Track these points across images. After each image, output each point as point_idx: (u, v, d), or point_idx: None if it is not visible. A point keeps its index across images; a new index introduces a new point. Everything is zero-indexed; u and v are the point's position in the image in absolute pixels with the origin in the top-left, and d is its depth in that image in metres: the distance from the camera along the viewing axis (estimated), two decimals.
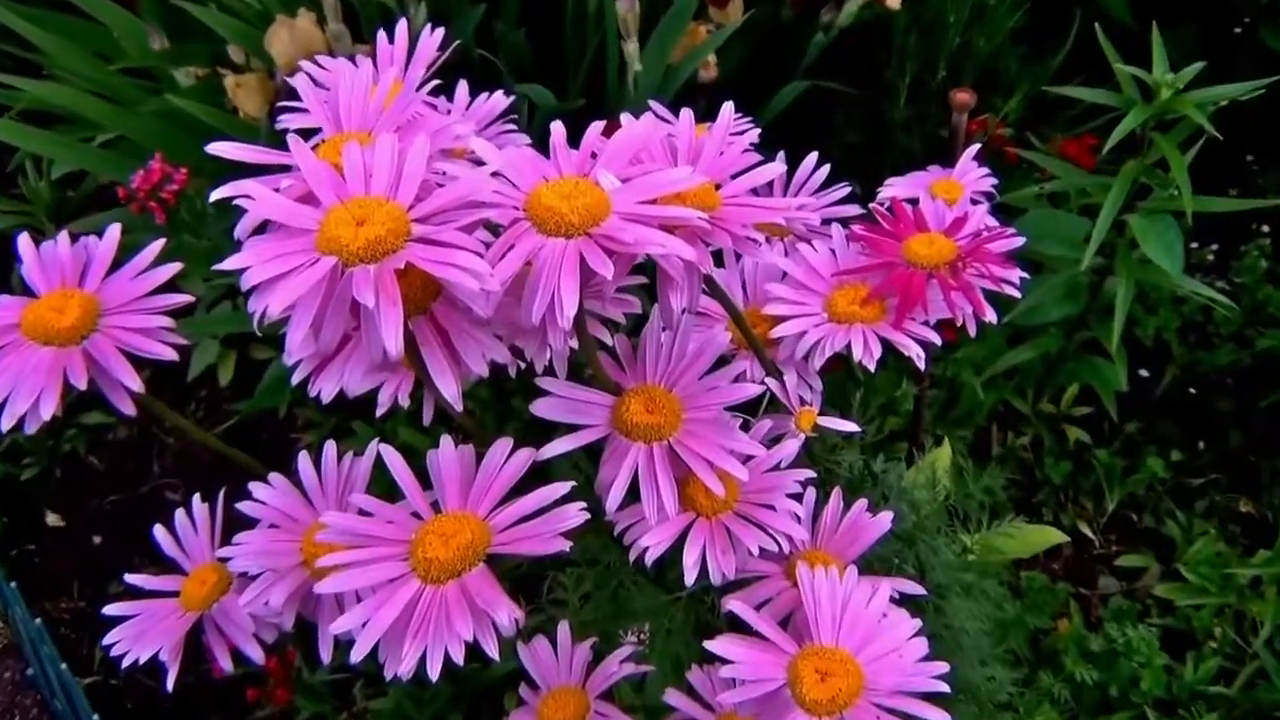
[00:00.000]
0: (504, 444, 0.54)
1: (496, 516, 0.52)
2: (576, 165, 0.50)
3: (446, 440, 0.54)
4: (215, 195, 0.48)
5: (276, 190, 0.48)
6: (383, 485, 0.63)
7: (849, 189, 0.77)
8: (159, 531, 0.65)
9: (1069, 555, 1.19)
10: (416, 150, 0.48)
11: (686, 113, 0.56)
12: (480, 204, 0.47)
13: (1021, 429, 1.25)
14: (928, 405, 1.16)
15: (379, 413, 0.64)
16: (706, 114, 0.75)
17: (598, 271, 0.45)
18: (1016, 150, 1.13)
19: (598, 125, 0.52)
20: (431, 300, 0.50)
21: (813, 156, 0.76)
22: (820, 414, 0.64)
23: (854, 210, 0.76)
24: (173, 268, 0.61)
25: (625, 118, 0.54)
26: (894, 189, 0.77)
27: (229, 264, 0.45)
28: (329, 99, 0.55)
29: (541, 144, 0.62)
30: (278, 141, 0.57)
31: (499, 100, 0.68)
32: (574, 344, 0.55)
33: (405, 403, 0.64)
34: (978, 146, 0.79)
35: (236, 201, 0.47)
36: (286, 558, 0.58)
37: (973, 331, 0.64)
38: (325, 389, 0.51)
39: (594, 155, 0.51)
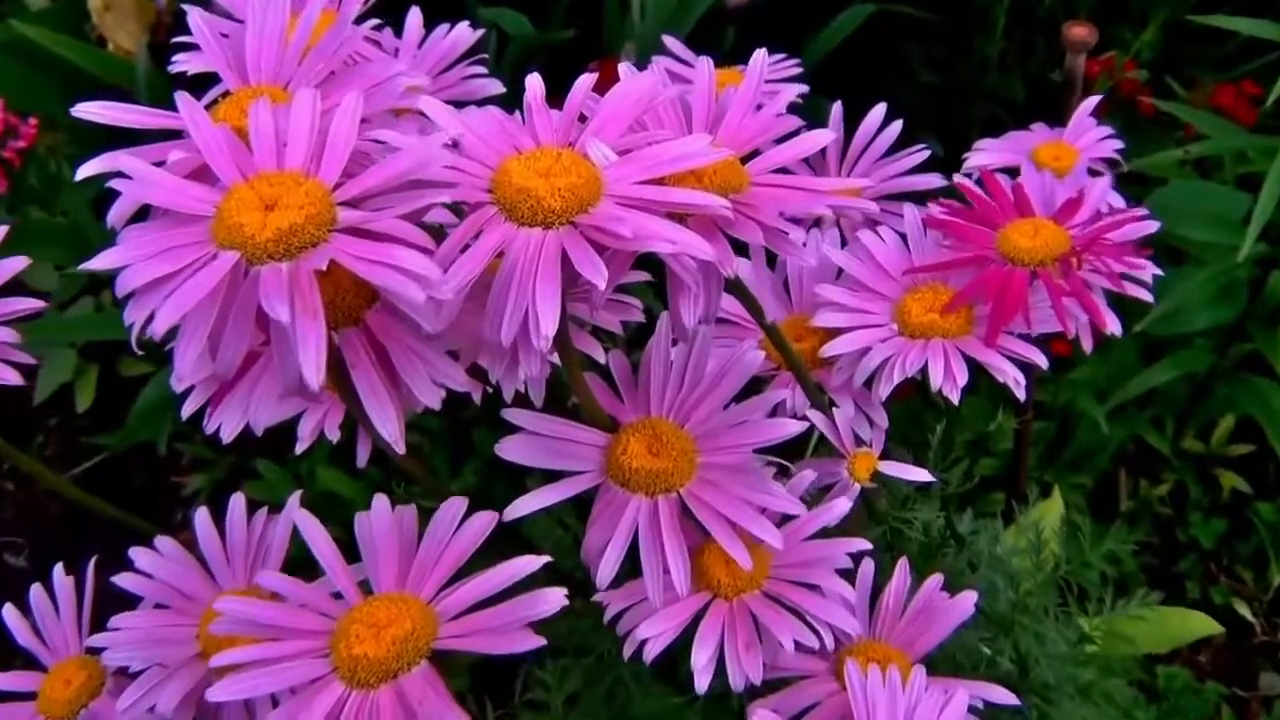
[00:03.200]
0: (456, 505, 0.54)
1: (445, 600, 0.53)
2: (559, 131, 0.51)
3: (380, 501, 0.55)
4: (82, 173, 0.50)
5: (161, 163, 0.49)
6: (302, 547, 0.64)
7: (926, 151, 0.79)
8: (9, 613, 0.67)
9: (1221, 645, 1.20)
10: (346, 110, 0.49)
11: (704, 61, 0.57)
12: (429, 184, 0.48)
13: (1159, 474, 1.26)
14: (1032, 442, 1.17)
15: (298, 449, 0.66)
16: (737, 51, 0.76)
17: (585, 276, 0.46)
18: (1152, 100, 1.14)
19: (587, 78, 0.53)
20: (366, 306, 0.51)
21: (879, 110, 0.78)
22: (883, 457, 0.65)
23: (934, 181, 0.77)
24: (17, 262, 0.62)
25: (624, 67, 0.55)
26: (986, 155, 0.79)
27: (100, 262, 0.46)
28: (233, 38, 0.56)
29: (516, 91, 0.64)
30: (162, 86, 0.58)
31: (463, 35, 0.70)
32: (555, 360, 0.56)
33: (334, 436, 0.66)
34: (1096, 99, 0.80)
35: (111, 183, 0.48)
36: (179, 648, 0.59)
37: (1088, 347, 0.65)
38: (226, 423, 0.52)
39: (583, 118, 0.52)
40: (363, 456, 0.68)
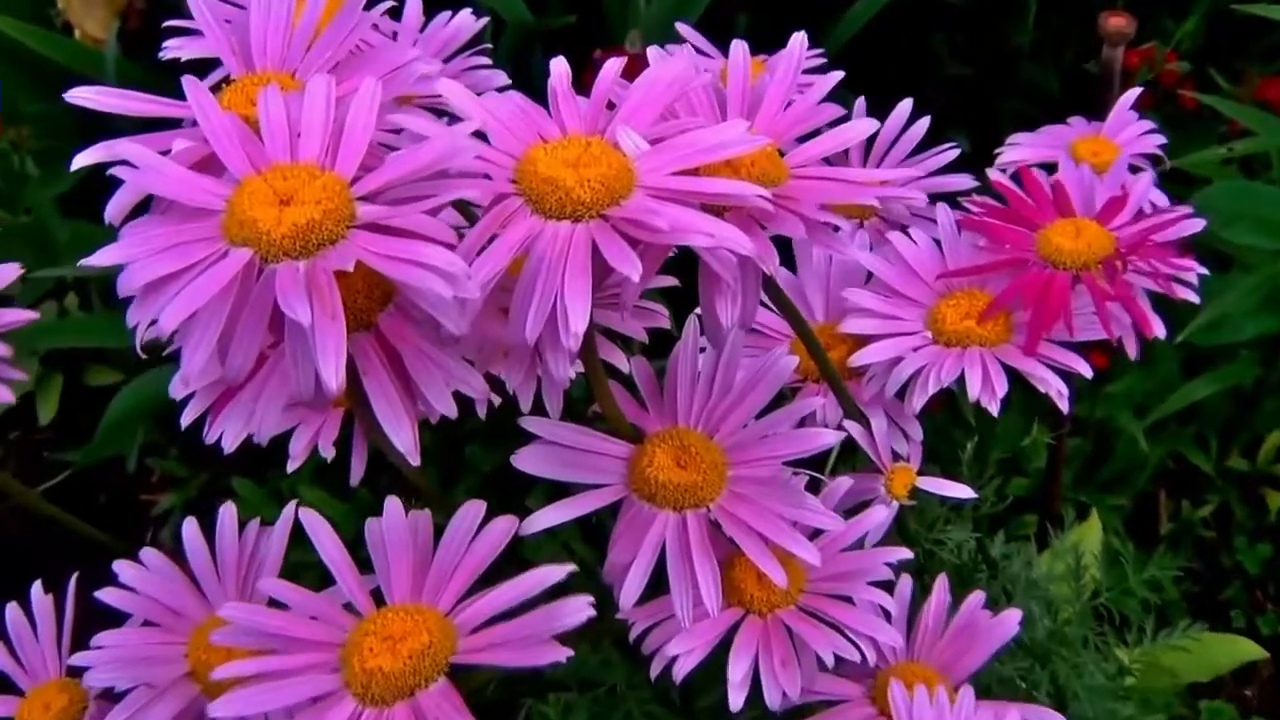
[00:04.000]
0: (474, 509, 0.56)
1: (464, 612, 0.54)
2: (587, 119, 0.53)
3: (394, 504, 0.56)
4: (80, 160, 0.50)
5: (165, 153, 0.50)
6: (294, 571, 0.65)
7: (956, 150, 0.80)
8: None
9: (1267, 677, 1.21)
10: (363, 98, 0.50)
11: (739, 45, 0.58)
12: (453, 175, 0.49)
13: (1202, 494, 1.26)
14: (1068, 461, 1.18)
15: (290, 467, 0.67)
16: (750, 39, 0.77)
17: (618, 269, 0.47)
18: (1194, 94, 1.15)
19: (615, 63, 0.55)
20: (378, 310, 0.52)
21: (906, 105, 0.79)
22: (919, 473, 0.66)
23: (965, 182, 0.78)
24: (9, 271, 0.63)
25: (653, 51, 0.56)
26: (1021, 150, 0.80)
27: (101, 258, 0.47)
28: (235, 22, 0.57)
29: (516, 82, 0.65)
30: (134, 76, 0.58)
31: (465, 23, 0.71)
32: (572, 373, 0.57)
33: (329, 454, 0.67)
34: (1138, 91, 0.81)
35: (114, 171, 0.49)
36: (168, 667, 0.60)
37: (1133, 353, 0.67)
38: (229, 432, 0.53)
39: (611, 106, 0.54)
40: (357, 472, 0.69)
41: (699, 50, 0.80)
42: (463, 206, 0.56)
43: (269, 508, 1.16)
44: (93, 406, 1.22)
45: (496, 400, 0.63)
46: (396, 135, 0.52)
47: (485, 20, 0.72)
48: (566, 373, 0.49)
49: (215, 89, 0.55)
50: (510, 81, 0.69)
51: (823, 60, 0.79)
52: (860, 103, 0.80)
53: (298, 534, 0.59)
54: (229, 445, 0.55)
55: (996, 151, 0.82)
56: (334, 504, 1.13)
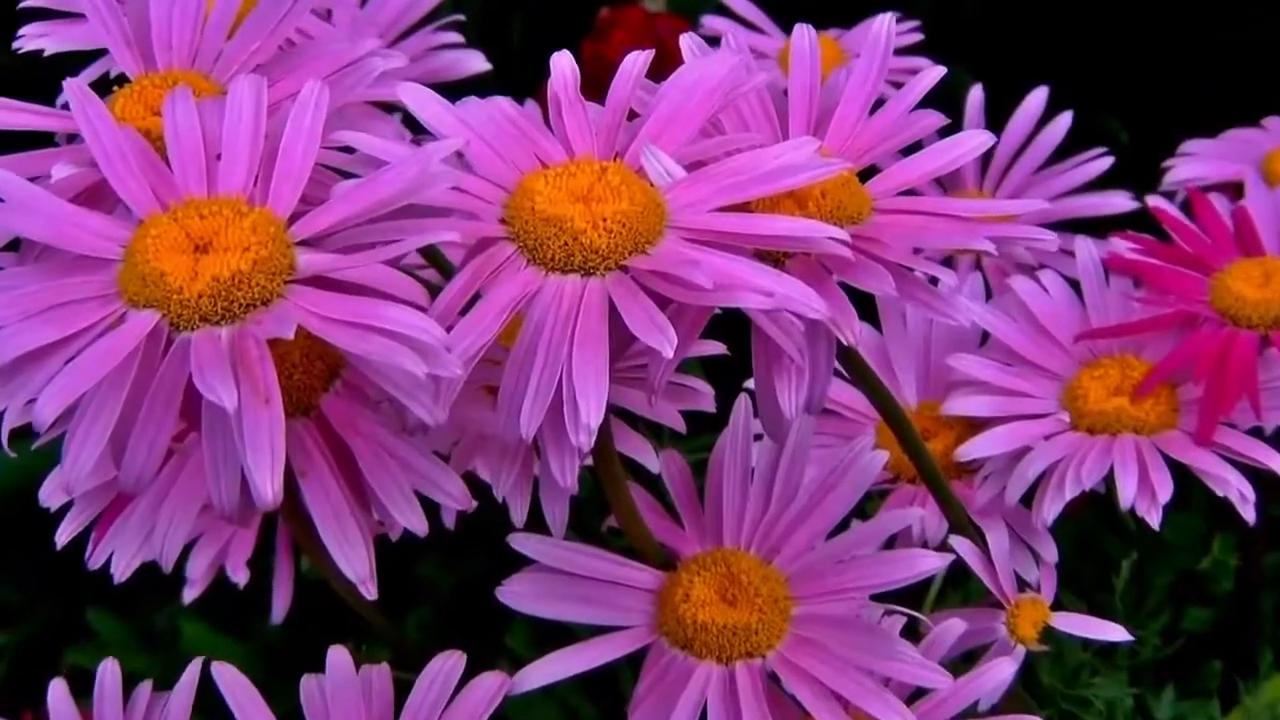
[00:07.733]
0: (449, 662, 0.57)
1: None
2: (601, 136, 0.55)
3: (339, 656, 0.58)
4: None
5: (38, 180, 0.53)
6: None
7: (1109, 158, 0.83)
8: None
9: None
10: (305, 108, 0.52)
11: (804, 31, 0.59)
12: (423, 212, 0.51)
13: None
14: (1268, 583, 1.19)
15: (188, 595, 0.69)
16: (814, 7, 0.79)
17: (644, 340, 0.48)
18: None
19: (638, 58, 0.56)
20: (320, 388, 0.55)
21: (1038, 97, 0.82)
22: (1055, 607, 0.67)
23: (1120, 203, 0.81)
24: None
25: (688, 41, 0.58)
26: (1196, 164, 0.82)
27: None
28: (127, 3, 0.60)
29: (498, 69, 0.67)
30: None
31: None
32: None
33: (241, 578, 0.69)
34: None
35: None
36: None
37: None
38: (121, 554, 0.55)
39: (632, 115, 0.56)
40: (280, 607, 0.70)
41: (748, 23, 0.82)
42: (431, 253, 0.58)
43: (137, 653, 1.17)
44: None
45: (473, 504, 0.65)
46: (349, 156, 0.54)
47: None
48: (573, 481, 0.50)
49: (101, 89, 0.57)
50: (490, 66, 0.72)
51: (917, 37, 0.81)
52: (975, 94, 0.82)
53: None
54: (121, 573, 0.57)
55: (1164, 165, 0.84)
56: (227, 644, 1.14)
